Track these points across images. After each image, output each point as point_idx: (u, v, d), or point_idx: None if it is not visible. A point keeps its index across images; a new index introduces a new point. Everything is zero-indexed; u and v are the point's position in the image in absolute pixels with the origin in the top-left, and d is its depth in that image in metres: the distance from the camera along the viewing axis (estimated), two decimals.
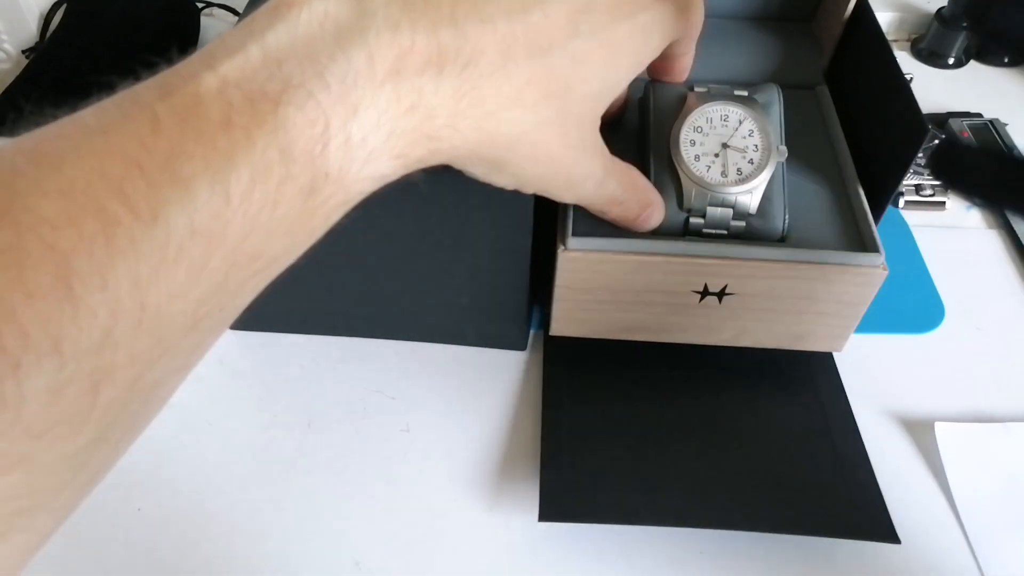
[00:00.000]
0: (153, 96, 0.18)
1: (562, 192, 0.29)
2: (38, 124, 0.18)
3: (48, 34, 0.53)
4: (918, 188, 0.48)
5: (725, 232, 0.34)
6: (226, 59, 0.19)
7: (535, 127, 0.25)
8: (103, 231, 0.16)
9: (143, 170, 0.17)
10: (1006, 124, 0.52)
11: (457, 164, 0.25)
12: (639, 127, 0.36)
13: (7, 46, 0.54)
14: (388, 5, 0.21)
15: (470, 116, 0.23)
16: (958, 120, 0.52)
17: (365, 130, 0.20)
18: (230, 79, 0.18)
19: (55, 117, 0.18)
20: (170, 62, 0.19)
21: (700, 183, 0.33)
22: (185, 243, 0.17)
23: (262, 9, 0.20)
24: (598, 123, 0.28)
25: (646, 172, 0.33)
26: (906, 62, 0.60)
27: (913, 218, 0.48)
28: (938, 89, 0.57)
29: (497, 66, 0.23)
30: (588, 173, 0.29)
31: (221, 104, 0.18)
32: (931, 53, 0.60)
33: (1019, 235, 0.46)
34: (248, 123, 0.18)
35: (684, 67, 0.34)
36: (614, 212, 0.32)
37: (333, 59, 0.19)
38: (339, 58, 0.20)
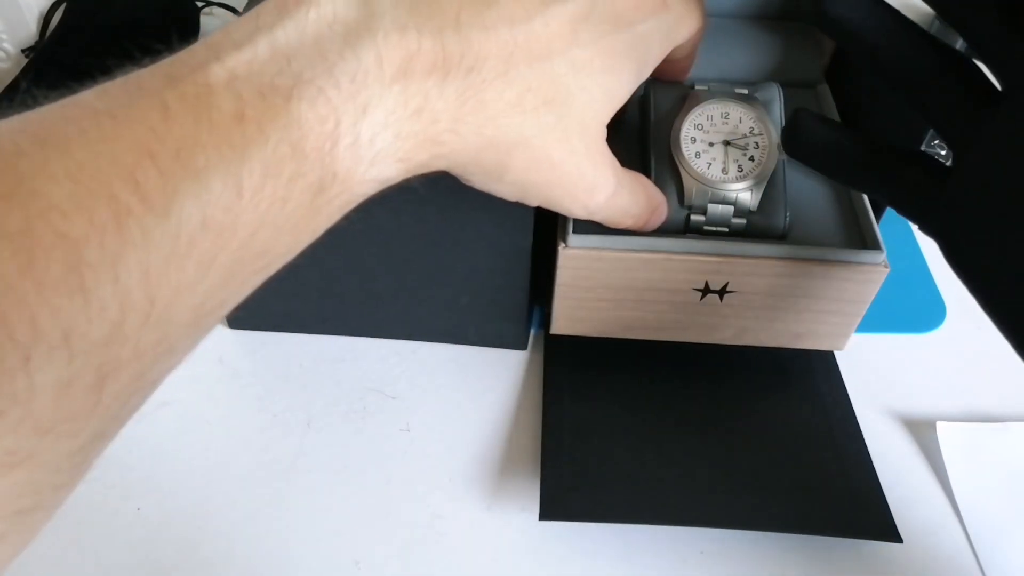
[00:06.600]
0: (160, 83, 0.18)
1: (568, 203, 0.28)
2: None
3: (48, 33, 0.53)
4: None
5: (726, 229, 0.33)
6: (233, 52, 0.19)
7: (535, 133, 0.25)
8: (114, 220, 0.16)
9: (155, 158, 0.16)
10: None
11: (457, 170, 0.25)
12: (640, 125, 0.36)
13: (6, 45, 0.54)
14: (395, 8, 0.21)
15: (471, 121, 0.23)
16: None
17: (373, 130, 0.20)
18: (239, 72, 0.18)
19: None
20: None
21: (701, 180, 0.33)
22: (196, 236, 0.17)
23: (266, 5, 0.20)
24: (604, 133, 0.28)
25: (647, 170, 0.33)
26: None
27: None
28: None
29: (499, 72, 0.23)
30: (597, 184, 0.28)
31: (232, 96, 0.18)
32: None
33: None
34: (260, 116, 0.18)
35: (686, 68, 0.34)
36: (626, 223, 0.31)
37: (343, 57, 0.19)
38: (349, 57, 0.19)
